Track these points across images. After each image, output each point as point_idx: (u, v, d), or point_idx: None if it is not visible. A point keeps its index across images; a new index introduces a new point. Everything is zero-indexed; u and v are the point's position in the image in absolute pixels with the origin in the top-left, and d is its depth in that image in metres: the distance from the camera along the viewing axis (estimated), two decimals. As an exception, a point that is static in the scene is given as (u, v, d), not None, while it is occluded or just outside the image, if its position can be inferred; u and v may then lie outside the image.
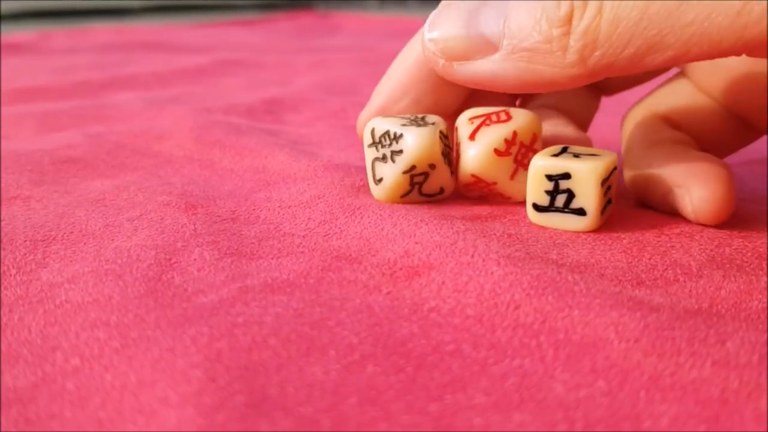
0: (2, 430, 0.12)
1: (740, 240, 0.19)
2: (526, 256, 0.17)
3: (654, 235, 0.19)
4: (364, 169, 0.24)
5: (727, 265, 0.17)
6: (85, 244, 0.19)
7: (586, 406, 0.12)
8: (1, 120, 0.34)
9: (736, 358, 0.13)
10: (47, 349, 0.14)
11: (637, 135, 0.22)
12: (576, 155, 0.19)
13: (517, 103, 0.24)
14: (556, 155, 0.19)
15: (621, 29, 0.15)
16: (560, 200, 0.19)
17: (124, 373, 0.13)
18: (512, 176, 0.20)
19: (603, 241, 0.18)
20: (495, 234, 0.19)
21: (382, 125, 0.20)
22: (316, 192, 0.22)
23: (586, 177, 0.18)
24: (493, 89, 0.18)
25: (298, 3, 1.25)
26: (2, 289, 0.16)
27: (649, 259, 0.17)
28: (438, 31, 0.18)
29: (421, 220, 0.19)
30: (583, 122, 0.24)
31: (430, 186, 0.20)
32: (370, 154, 0.21)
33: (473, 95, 0.22)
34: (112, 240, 0.19)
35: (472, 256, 0.17)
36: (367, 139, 0.20)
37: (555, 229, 0.19)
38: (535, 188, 0.19)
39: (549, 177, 0.19)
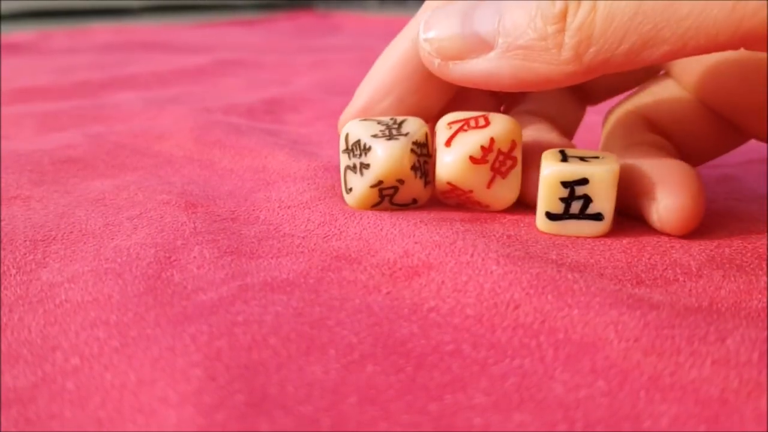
0: (2, 430, 0.12)
1: (740, 240, 0.19)
2: (525, 255, 0.17)
3: (653, 235, 0.19)
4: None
5: (727, 265, 0.17)
6: (84, 243, 0.19)
7: (585, 406, 0.12)
8: (1, 120, 0.34)
9: (736, 356, 0.13)
10: (47, 349, 0.14)
11: (615, 135, 0.22)
12: (582, 158, 0.18)
13: (502, 108, 0.24)
14: (563, 161, 0.18)
15: (615, 25, 0.15)
16: (576, 207, 0.18)
17: (123, 373, 0.13)
18: (489, 185, 0.19)
19: (602, 242, 0.18)
20: (494, 235, 0.19)
21: (355, 132, 0.20)
22: (316, 193, 0.22)
23: (604, 181, 0.18)
24: (488, 88, 0.18)
25: (298, 3, 1.25)
26: (2, 288, 0.16)
27: (649, 258, 0.17)
28: (433, 31, 0.18)
29: (420, 221, 0.19)
30: (567, 130, 0.24)
31: (402, 197, 0.20)
32: (343, 159, 0.20)
33: (459, 95, 0.22)
34: (112, 239, 0.19)
35: (472, 256, 0.17)
36: (342, 144, 0.20)
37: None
38: (549, 196, 0.18)
39: (564, 184, 0.18)
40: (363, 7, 1.22)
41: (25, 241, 0.19)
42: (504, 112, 0.24)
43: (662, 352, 0.13)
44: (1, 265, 0.18)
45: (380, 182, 0.19)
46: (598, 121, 0.25)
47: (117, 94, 0.42)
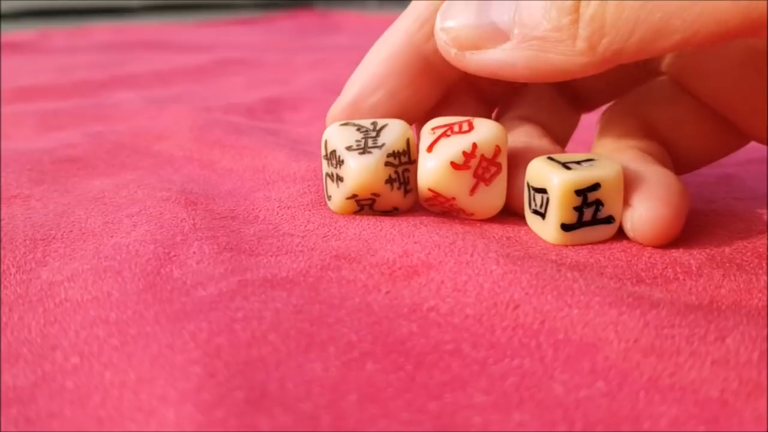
0: (2, 429, 0.12)
1: (740, 239, 0.19)
2: (525, 255, 0.17)
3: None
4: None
5: (727, 264, 0.17)
6: (84, 242, 0.19)
7: (585, 407, 0.12)
8: (1, 119, 0.34)
9: (736, 356, 0.13)
10: (47, 348, 0.14)
11: (606, 137, 0.21)
12: (578, 163, 0.18)
13: (494, 113, 0.24)
14: (567, 168, 0.18)
15: (626, 15, 0.15)
16: (588, 214, 0.18)
17: (123, 371, 0.13)
18: (472, 192, 0.19)
19: (602, 241, 0.18)
20: (494, 236, 0.18)
21: (333, 140, 0.19)
22: (315, 196, 0.22)
23: (614, 183, 0.18)
24: (504, 78, 0.18)
25: (298, 2, 1.25)
26: (2, 288, 0.16)
27: (649, 257, 0.17)
28: (450, 20, 0.18)
29: (420, 222, 0.19)
30: (560, 137, 0.23)
31: (381, 206, 0.20)
32: (323, 166, 0.20)
33: (448, 99, 0.22)
34: (112, 237, 0.19)
35: (471, 256, 0.17)
36: (322, 149, 0.20)
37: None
38: (564, 207, 0.18)
39: (578, 192, 0.17)
40: (363, 7, 1.22)
41: (25, 240, 0.19)
42: (497, 117, 0.23)
43: (662, 353, 0.13)
44: (1, 264, 0.18)
45: (355, 195, 0.19)
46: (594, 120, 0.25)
47: (117, 94, 0.42)
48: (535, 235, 0.19)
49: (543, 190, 0.18)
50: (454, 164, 0.18)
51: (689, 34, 0.15)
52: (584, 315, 0.14)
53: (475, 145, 0.18)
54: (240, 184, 0.24)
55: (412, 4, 0.20)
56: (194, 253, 0.17)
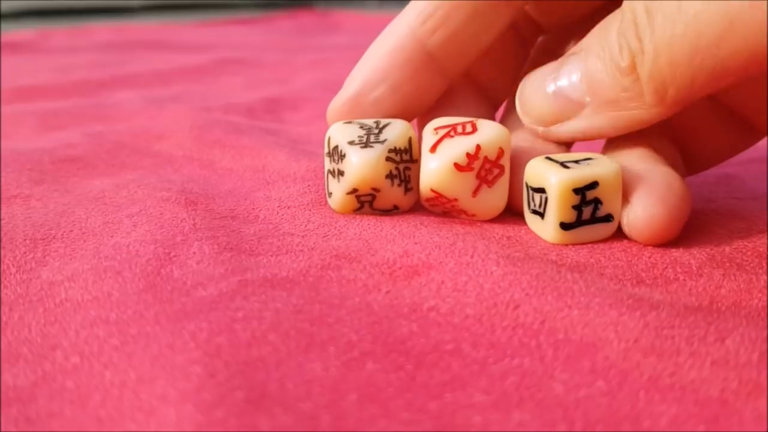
0: (2, 429, 0.12)
1: (740, 239, 0.19)
2: (525, 256, 0.17)
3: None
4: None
5: (727, 264, 0.17)
6: (84, 241, 0.19)
7: (585, 406, 0.12)
8: (1, 119, 0.34)
9: (736, 356, 0.13)
10: (47, 348, 0.14)
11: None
12: (576, 162, 0.18)
13: (501, 110, 0.23)
14: (565, 167, 0.18)
15: (681, 68, 0.16)
16: (587, 212, 0.18)
17: (123, 371, 0.13)
18: (474, 193, 0.19)
19: (602, 241, 0.18)
20: (494, 236, 0.18)
21: (336, 136, 0.19)
22: (316, 196, 0.22)
23: (612, 181, 0.18)
24: (593, 139, 0.19)
25: (298, 2, 1.25)
26: (2, 287, 0.16)
27: (649, 257, 0.17)
28: (528, 105, 0.19)
29: (420, 223, 0.19)
30: None
31: (381, 204, 0.20)
32: (326, 163, 0.20)
33: (451, 97, 0.22)
34: (112, 237, 0.19)
35: (472, 257, 0.17)
36: (325, 147, 0.20)
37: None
38: (562, 206, 0.18)
39: (576, 191, 0.18)
40: (363, 6, 1.22)
41: (25, 239, 0.19)
42: (504, 113, 0.23)
43: (662, 353, 0.13)
44: (2, 263, 0.18)
45: (355, 189, 0.19)
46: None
47: (117, 93, 0.42)
48: (536, 234, 0.19)
49: (541, 190, 0.18)
50: (457, 165, 0.18)
51: (743, 73, 0.16)
52: (584, 316, 0.14)
53: (478, 147, 0.18)
54: (240, 184, 0.24)
55: None
56: (194, 253, 0.17)
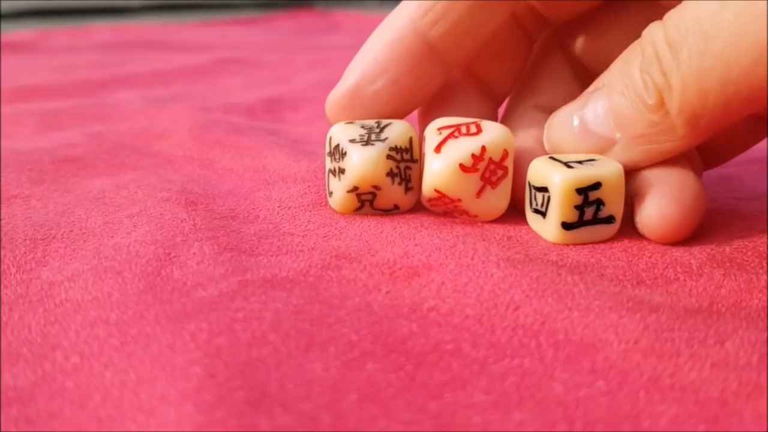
0: (2, 429, 0.12)
1: (740, 239, 0.19)
2: (525, 258, 0.17)
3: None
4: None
5: (728, 264, 0.17)
6: (85, 242, 0.19)
7: (585, 406, 0.12)
8: (1, 119, 0.34)
9: (735, 359, 0.13)
10: (47, 348, 0.14)
11: None
12: (580, 162, 0.18)
13: (507, 102, 0.23)
14: (569, 167, 0.18)
15: (712, 99, 0.16)
16: (589, 213, 0.18)
17: (123, 371, 0.13)
18: (478, 194, 0.19)
19: (603, 241, 0.18)
20: (495, 237, 0.18)
21: (337, 135, 0.20)
22: (316, 196, 0.22)
23: (615, 182, 0.18)
24: (628, 171, 0.19)
25: (297, 2, 1.25)
26: (2, 287, 0.16)
27: (650, 257, 0.17)
28: (557, 142, 0.19)
29: (420, 225, 0.19)
30: None
31: (381, 203, 0.20)
32: (327, 162, 0.20)
33: (450, 94, 0.22)
34: (112, 237, 0.19)
35: (472, 259, 0.17)
36: (326, 147, 0.20)
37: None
38: (565, 205, 0.18)
39: (579, 191, 0.18)
40: (363, 6, 1.22)
41: (25, 239, 0.19)
42: (509, 106, 0.23)
43: (662, 354, 0.13)
44: (2, 263, 0.18)
45: (356, 188, 0.19)
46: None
47: (117, 93, 0.42)
48: (536, 234, 0.19)
49: (544, 189, 0.18)
50: (462, 166, 0.18)
51: None
52: (584, 317, 0.14)
53: (484, 148, 0.18)
54: (240, 184, 0.24)
55: None
56: (194, 253, 0.17)
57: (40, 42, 0.69)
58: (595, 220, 0.18)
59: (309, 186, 0.23)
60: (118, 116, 0.35)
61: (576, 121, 0.19)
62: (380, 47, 0.20)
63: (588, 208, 0.18)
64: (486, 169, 0.19)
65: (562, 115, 0.19)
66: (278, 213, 0.21)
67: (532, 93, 0.23)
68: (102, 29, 0.81)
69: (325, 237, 0.19)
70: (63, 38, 0.72)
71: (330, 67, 0.54)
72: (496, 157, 0.19)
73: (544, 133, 0.20)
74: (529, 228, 0.19)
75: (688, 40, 0.16)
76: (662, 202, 0.18)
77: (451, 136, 0.19)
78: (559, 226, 0.18)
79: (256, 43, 0.72)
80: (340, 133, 0.20)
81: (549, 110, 0.22)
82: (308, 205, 0.21)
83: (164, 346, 0.13)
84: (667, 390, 0.12)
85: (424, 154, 0.19)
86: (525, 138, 0.20)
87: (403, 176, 0.19)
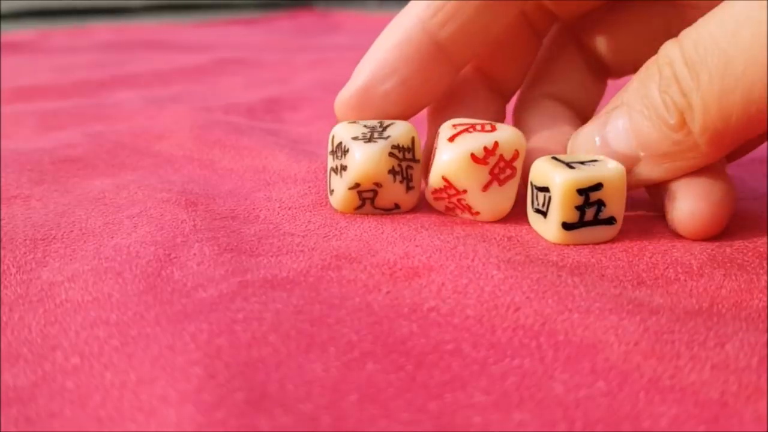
0: (2, 429, 0.12)
1: (741, 240, 0.19)
2: (526, 259, 0.17)
3: (655, 234, 0.19)
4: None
5: (728, 264, 0.17)
6: (85, 242, 0.19)
7: (585, 406, 0.12)
8: (1, 119, 0.34)
9: (736, 361, 0.13)
10: (47, 348, 0.14)
11: None
12: (582, 163, 0.18)
13: (519, 92, 0.24)
14: (571, 168, 0.18)
15: (734, 118, 0.16)
16: (590, 213, 0.18)
17: (123, 372, 0.13)
18: (485, 188, 0.19)
19: (604, 242, 0.18)
20: (495, 238, 0.18)
21: (340, 133, 0.20)
22: (317, 197, 0.22)
23: (617, 183, 0.18)
24: (650, 185, 0.19)
25: (298, 2, 1.25)
26: (2, 288, 0.16)
27: (650, 258, 0.17)
28: None
29: (421, 226, 0.19)
30: (587, 110, 0.23)
31: (382, 201, 0.20)
32: (329, 161, 0.20)
33: (460, 91, 0.22)
34: (112, 238, 0.19)
35: (473, 261, 0.17)
36: (329, 145, 0.20)
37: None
38: (566, 205, 0.18)
39: (580, 191, 0.18)
40: (363, 6, 1.22)
41: (26, 240, 0.19)
42: (521, 95, 0.23)
43: (662, 356, 0.13)
44: (2, 264, 0.18)
45: (357, 184, 0.19)
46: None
47: (117, 93, 0.42)
48: (537, 234, 0.19)
49: (546, 189, 0.18)
50: (474, 156, 0.19)
51: None
52: (584, 319, 0.14)
53: (496, 143, 0.19)
54: (240, 185, 0.24)
55: None
56: (195, 254, 0.17)
57: (40, 42, 0.69)
58: (596, 221, 0.18)
59: (309, 186, 0.23)
60: (118, 116, 0.35)
61: (598, 141, 0.19)
62: (389, 48, 0.20)
63: (589, 208, 0.18)
64: (496, 165, 0.19)
65: (584, 134, 0.19)
66: (278, 213, 0.21)
67: (545, 82, 0.23)
68: (102, 29, 0.81)
69: (325, 237, 0.19)
70: (63, 38, 0.72)
71: (330, 67, 0.54)
72: (507, 156, 0.19)
73: (567, 152, 0.20)
74: (530, 228, 0.19)
75: (707, 61, 0.16)
76: (693, 200, 0.18)
77: (465, 130, 0.19)
78: (560, 227, 0.18)
79: (256, 43, 0.72)
80: (343, 131, 0.20)
81: (561, 99, 0.22)
82: (308, 205, 0.21)
83: (164, 346, 0.13)
84: (667, 391, 0.12)
85: (435, 148, 0.19)
86: (533, 143, 0.21)
87: (404, 175, 0.20)
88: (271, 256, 0.18)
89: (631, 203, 0.22)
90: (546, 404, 0.12)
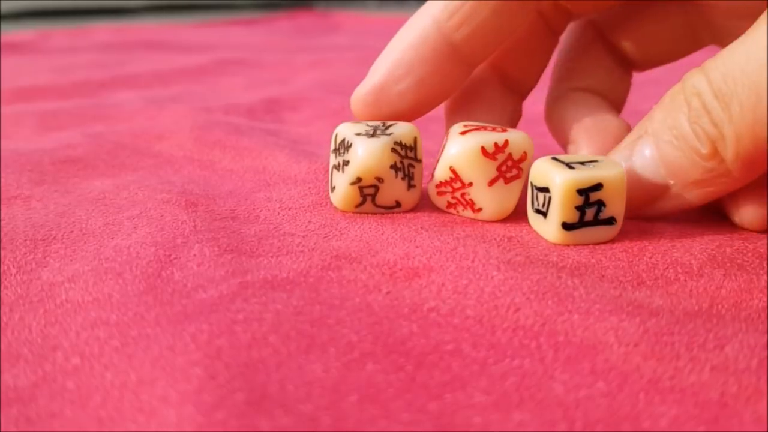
0: (2, 429, 0.12)
1: (741, 240, 0.19)
2: (526, 260, 0.17)
3: (655, 235, 0.19)
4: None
5: (728, 265, 0.17)
6: (85, 243, 0.19)
7: (585, 406, 0.12)
8: (1, 120, 0.34)
9: (735, 363, 0.13)
10: (47, 349, 0.14)
11: None
12: (582, 164, 0.18)
13: (549, 87, 0.24)
14: (571, 168, 0.18)
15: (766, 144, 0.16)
16: (590, 214, 0.18)
17: (124, 372, 0.13)
18: (491, 183, 0.19)
19: (604, 242, 0.18)
20: (495, 239, 0.18)
21: (344, 131, 0.20)
22: (317, 197, 0.22)
23: (617, 184, 0.18)
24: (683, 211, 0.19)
25: (297, 2, 1.25)
26: (3, 288, 0.16)
27: (650, 258, 0.17)
28: None
29: (421, 227, 0.19)
30: (618, 102, 0.24)
31: (383, 199, 0.20)
32: (331, 159, 0.20)
33: (479, 78, 0.22)
34: (112, 238, 0.19)
35: (473, 261, 0.17)
36: (331, 144, 0.20)
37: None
38: (566, 205, 0.18)
39: (580, 191, 0.18)
40: (363, 7, 1.22)
41: (26, 240, 0.19)
42: (551, 89, 0.24)
43: (662, 357, 0.13)
44: (2, 264, 0.18)
45: (359, 179, 0.19)
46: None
47: (117, 94, 0.42)
48: (537, 235, 0.19)
49: (546, 189, 0.18)
50: (484, 150, 0.19)
51: None
52: (584, 320, 0.14)
53: (506, 141, 0.19)
54: (240, 185, 0.24)
55: None
56: (195, 255, 0.17)
57: (40, 42, 0.69)
58: (596, 221, 0.18)
59: (309, 187, 0.23)
60: (119, 117, 0.35)
61: (627, 169, 0.19)
62: (405, 48, 0.20)
63: (589, 209, 0.18)
64: (504, 162, 0.19)
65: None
66: (279, 214, 0.21)
67: (574, 78, 0.23)
68: (102, 29, 0.81)
69: (325, 237, 0.19)
70: (63, 38, 0.72)
71: (330, 67, 0.54)
72: (516, 155, 0.19)
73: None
74: (530, 229, 0.19)
75: (738, 92, 0.16)
76: (758, 199, 0.19)
77: (477, 129, 0.19)
78: (560, 227, 0.18)
79: (256, 43, 0.72)
80: (347, 129, 0.20)
81: (591, 92, 0.22)
82: (309, 205, 0.21)
83: (165, 347, 0.13)
84: (667, 392, 0.12)
85: (444, 145, 0.20)
86: (578, 115, 0.21)
87: (406, 172, 0.20)
88: (272, 257, 0.18)
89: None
90: (546, 404, 0.12)
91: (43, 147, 0.28)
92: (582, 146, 0.21)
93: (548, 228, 0.18)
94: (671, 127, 0.18)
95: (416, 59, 0.20)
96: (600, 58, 0.23)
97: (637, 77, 0.25)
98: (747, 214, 0.19)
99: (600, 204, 0.18)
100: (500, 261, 0.17)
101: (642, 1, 0.22)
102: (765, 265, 0.17)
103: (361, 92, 0.21)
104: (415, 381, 0.13)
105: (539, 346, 0.14)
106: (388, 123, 0.20)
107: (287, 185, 0.23)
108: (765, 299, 0.16)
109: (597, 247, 0.18)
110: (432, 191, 0.20)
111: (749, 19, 0.18)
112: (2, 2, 1.00)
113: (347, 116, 0.36)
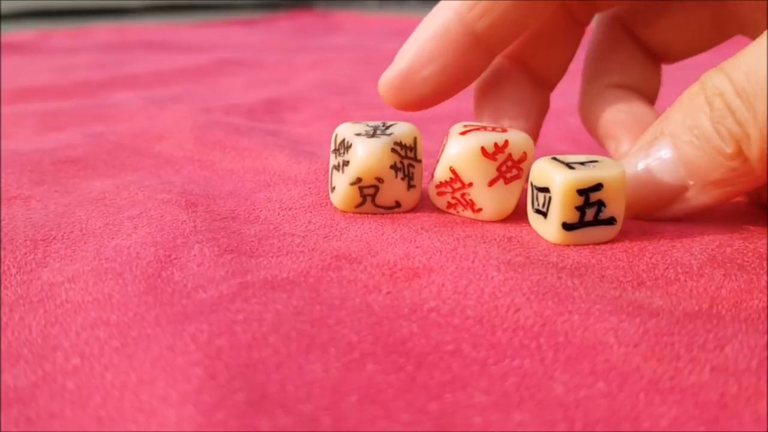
0: (3, 429, 0.12)
1: (741, 240, 0.19)
2: (526, 261, 0.17)
3: (655, 235, 0.19)
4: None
5: (728, 265, 0.17)
6: (85, 243, 0.19)
7: (585, 406, 0.12)
8: (1, 120, 0.34)
9: (735, 363, 0.13)
10: (48, 349, 0.14)
11: None
12: (582, 164, 0.18)
13: (582, 86, 0.24)
14: (571, 168, 0.18)
15: None
16: (590, 214, 0.18)
17: (124, 372, 0.13)
18: (491, 183, 0.19)
19: (604, 242, 0.18)
20: (495, 239, 0.18)
21: (344, 131, 0.20)
22: (317, 198, 0.22)
23: (617, 184, 0.18)
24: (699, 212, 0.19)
25: (298, 2, 1.25)
26: (3, 288, 0.16)
27: (650, 258, 0.17)
28: (628, 196, 0.19)
29: (421, 227, 0.19)
30: (651, 96, 0.24)
31: (383, 199, 0.20)
32: (331, 159, 0.20)
33: (502, 68, 0.23)
34: (112, 238, 0.19)
35: (473, 262, 0.17)
36: (331, 144, 0.20)
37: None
38: (566, 206, 0.18)
39: (580, 192, 0.18)
40: (363, 7, 1.22)
41: (26, 240, 0.19)
42: (584, 86, 0.24)
43: (662, 358, 0.13)
44: (2, 264, 0.18)
45: (359, 179, 0.19)
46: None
47: (117, 94, 0.42)
48: (537, 235, 0.19)
49: (546, 189, 0.18)
50: (484, 150, 0.19)
51: None
52: (584, 320, 0.14)
53: (506, 142, 0.19)
54: (240, 185, 0.24)
55: None
56: (195, 255, 0.17)
57: (40, 42, 0.69)
58: (596, 221, 0.18)
59: (309, 187, 0.23)
60: (119, 117, 0.35)
61: (644, 171, 0.19)
62: (428, 38, 0.21)
63: (589, 209, 0.18)
64: (503, 163, 0.19)
65: (627, 166, 0.20)
66: (279, 214, 0.21)
67: (606, 74, 0.23)
68: (102, 30, 0.81)
69: (325, 238, 0.19)
70: (63, 39, 0.72)
71: (330, 67, 0.54)
72: (516, 155, 0.19)
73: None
74: (530, 229, 0.19)
75: (762, 91, 0.16)
76: None
77: (476, 129, 0.20)
78: (560, 227, 0.18)
79: (256, 43, 0.72)
80: (347, 129, 0.20)
81: (624, 88, 0.23)
82: (309, 206, 0.21)
83: (165, 347, 0.13)
84: (667, 392, 0.12)
85: (444, 147, 0.20)
86: (617, 108, 0.21)
87: (405, 172, 0.20)
88: (272, 257, 0.18)
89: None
90: (546, 405, 0.12)
91: (43, 147, 0.28)
92: (623, 142, 0.22)
93: (548, 228, 0.18)
94: (692, 127, 0.18)
95: (438, 49, 0.21)
96: (630, 53, 0.23)
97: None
98: None
99: (600, 204, 0.18)
100: (500, 261, 0.17)
101: None
102: (765, 265, 0.17)
103: (389, 76, 0.21)
104: (416, 381, 0.13)
105: (539, 346, 0.14)
106: (388, 123, 0.20)
107: (287, 185, 0.23)
108: (765, 299, 0.16)
109: (597, 247, 0.18)
110: (432, 191, 0.20)
111: None
112: (2, 2, 1.00)
113: (347, 116, 0.36)
